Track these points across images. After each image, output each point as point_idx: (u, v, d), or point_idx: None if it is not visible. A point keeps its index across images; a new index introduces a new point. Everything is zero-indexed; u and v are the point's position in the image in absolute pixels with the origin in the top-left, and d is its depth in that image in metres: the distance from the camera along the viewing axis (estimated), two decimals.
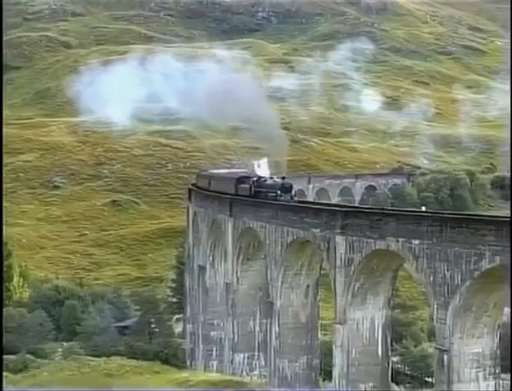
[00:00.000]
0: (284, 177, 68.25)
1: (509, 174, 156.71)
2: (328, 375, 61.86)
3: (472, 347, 47.49)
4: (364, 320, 55.90)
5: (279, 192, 64.08)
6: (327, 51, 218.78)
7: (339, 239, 55.89)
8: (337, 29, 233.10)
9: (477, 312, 47.44)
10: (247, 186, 69.97)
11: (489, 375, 47.84)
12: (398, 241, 51.24)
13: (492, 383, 47.83)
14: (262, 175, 71.08)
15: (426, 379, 65.28)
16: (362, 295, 55.59)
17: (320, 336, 66.56)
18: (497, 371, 48.46)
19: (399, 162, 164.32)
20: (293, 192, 65.18)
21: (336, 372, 56.08)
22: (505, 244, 43.78)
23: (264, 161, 75.70)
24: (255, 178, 70.24)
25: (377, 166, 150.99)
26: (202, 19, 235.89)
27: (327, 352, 62.41)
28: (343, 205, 58.00)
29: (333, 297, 56.53)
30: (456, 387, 47.02)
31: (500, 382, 49.16)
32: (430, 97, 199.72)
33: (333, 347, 56.63)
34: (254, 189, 68.51)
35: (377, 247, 53.20)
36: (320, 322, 66.34)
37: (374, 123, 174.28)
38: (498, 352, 48.42)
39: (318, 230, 58.60)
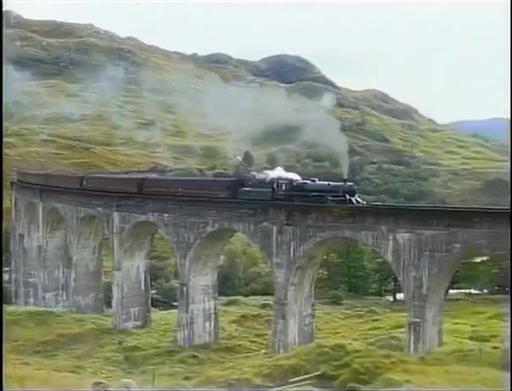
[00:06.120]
0: (345, 180, 42.10)
1: (224, 171, 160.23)
2: (108, 304, 60.79)
3: (201, 282, 48.82)
4: (132, 267, 55.93)
5: (347, 196, 40.94)
6: (105, 89, 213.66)
7: (115, 214, 55.51)
8: (114, 75, 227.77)
9: (205, 259, 48.66)
10: (266, 190, 43.78)
11: (211, 298, 49.60)
12: (154, 215, 51.56)
13: (213, 302, 49.68)
14: (295, 178, 44.41)
15: (173, 303, 65.64)
16: (131, 251, 55.50)
17: (103, 278, 65.86)
18: (216, 296, 50.37)
19: (154, 163, 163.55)
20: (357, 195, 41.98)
21: (114, 302, 56.10)
22: (222, 216, 45.05)
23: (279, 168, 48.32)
24: (286, 181, 43.71)
25: (140, 166, 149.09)
26: (21, 65, 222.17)
27: (108, 289, 61.26)
28: (118, 192, 56.86)
29: (112, 253, 56.18)
30: (192, 307, 48.23)
31: (217, 301, 50.96)
32: (175, 121, 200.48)
33: (112, 286, 56.57)
34: (287, 192, 42.99)
35: (140, 219, 53.33)
36: (103, 269, 65.75)
37: (137, 137, 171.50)
38: (216, 283, 50.10)
39: (101, 209, 57.91)
